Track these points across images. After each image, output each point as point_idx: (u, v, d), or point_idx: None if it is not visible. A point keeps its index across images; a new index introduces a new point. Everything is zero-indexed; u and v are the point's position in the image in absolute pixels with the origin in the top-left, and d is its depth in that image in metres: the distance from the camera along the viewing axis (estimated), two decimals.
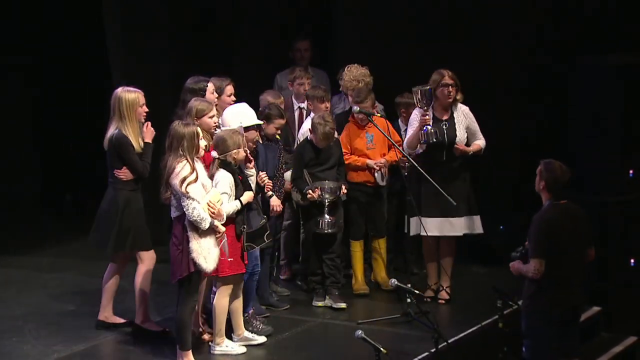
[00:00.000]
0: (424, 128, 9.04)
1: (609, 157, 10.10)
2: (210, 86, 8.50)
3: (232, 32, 11.65)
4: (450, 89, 9.16)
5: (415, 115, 9.21)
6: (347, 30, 11.38)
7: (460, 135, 9.22)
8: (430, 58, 10.76)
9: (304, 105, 9.86)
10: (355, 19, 11.35)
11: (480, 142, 9.29)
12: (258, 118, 8.49)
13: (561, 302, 7.48)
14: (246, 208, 8.05)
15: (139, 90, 8.33)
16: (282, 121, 8.85)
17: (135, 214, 8.36)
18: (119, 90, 8.29)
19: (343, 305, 9.23)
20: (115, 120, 8.26)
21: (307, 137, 9.21)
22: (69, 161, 12.74)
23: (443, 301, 9.34)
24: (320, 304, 9.25)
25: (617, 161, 10.11)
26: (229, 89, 8.73)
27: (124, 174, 8.30)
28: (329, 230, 9.10)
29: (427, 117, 9.04)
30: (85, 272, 10.32)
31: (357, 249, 9.56)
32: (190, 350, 7.80)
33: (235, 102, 8.67)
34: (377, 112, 9.56)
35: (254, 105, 9.15)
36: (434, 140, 9.04)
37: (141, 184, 8.42)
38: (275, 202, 8.75)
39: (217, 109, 8.40)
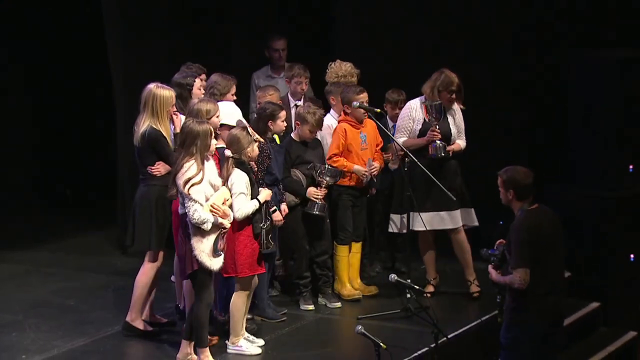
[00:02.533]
0: (433, 143, 9.07)
1: (608, 152, 10.11)
2: (198, 82, 8.48)
3: (232, 31, 11.65)
4: (455, 95, 9.17)
5: (408, 111, 9.24)
6: (346, 28, 11.39)
7: (454, 131, 9.26)
8: (430, 55, 10.79)
9: (300, 102, 9.85)
10: (354, 17, 11.35)
11: (460, 142, 9.31)
12: (260, 119, 8.54)
13: (547, 313, 7.28)
14: (264, 207, 8.04)
15: (172, 89, 8.23)
16: (285, 113, 8.76)
17: (167, 210, 8.22)
18: (153, 86, 8.13)
19: (338, 304, 9.18)
20: (146, 117, 8.11)
21: (290, 134, 9.09)
22: (69, 158, 12.74)
23: (477, 294, 9.32)
24: (310, 307, 9.10)
25: (617, 156, 10.13)
26: (234, 88, 8.74)
27: (157, 169, 8.18)
28: (318, 212, 8.93)
29: (437, 132, 9.06)
30: (85, 267, 10.36)
31: (344, 253, 9.31)
32: (208, 348, 7.75)
33: (235, 101, 8.70)
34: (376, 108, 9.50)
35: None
36: (443, 154, 9.07)
37: None
38: (277, 217, 8.48)
39: None
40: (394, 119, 9.75)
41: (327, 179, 8.91)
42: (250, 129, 8.10)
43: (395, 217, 9.43)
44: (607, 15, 10.49)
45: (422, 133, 9.20)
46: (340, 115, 9.31)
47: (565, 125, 10.45)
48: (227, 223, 7.63)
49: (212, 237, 7.57)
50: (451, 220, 9.24)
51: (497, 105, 10.69)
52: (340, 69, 9.55)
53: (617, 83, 10.11)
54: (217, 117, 8.07)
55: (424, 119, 9.18)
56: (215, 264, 7.59)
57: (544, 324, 7.26)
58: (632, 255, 10.09)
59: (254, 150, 7.99)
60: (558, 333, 7.41)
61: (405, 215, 9.25)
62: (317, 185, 8.94)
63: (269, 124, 8.56)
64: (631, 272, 10.10)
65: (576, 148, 10.31)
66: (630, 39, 10.33)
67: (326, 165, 8.95)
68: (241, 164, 7.91)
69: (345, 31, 11.43)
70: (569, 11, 10.57)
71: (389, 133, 9.35)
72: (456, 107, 9.33)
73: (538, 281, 7.18)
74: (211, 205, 7.54)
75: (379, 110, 9.28)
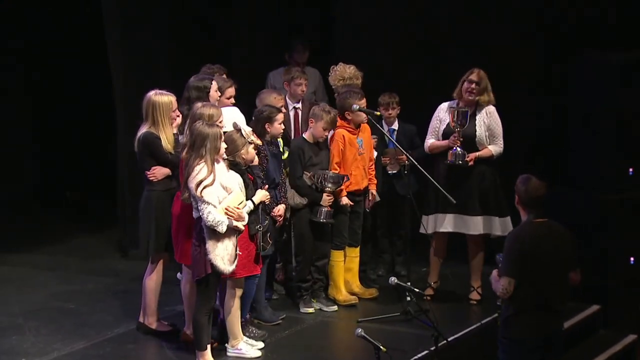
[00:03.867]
0: (454, 148, 9.05)
1: (608, 154, 10.10)
2: (214, 84, 8.48)
3: (232, 31, 11.65)
4: (474, 86, 9.11)
5: (436, 113, 9.25)
6: (346, 29, 11.38)
7: (480, 133, 9.15)
8: (430, 57, 10.79)
9: (299, 105, 9.83)
10: (355, 18, 11.34)
11: (492, 148, 9.17)
12: (258, 121, 8.51)
13: (539, 328, 7.09)
14: (260, 207, 8.04)
15: (172, 94, 8.23)
16: (282, 115, 8.71)
17: (168, 214, 8.21)
18: (152, 94, 8.15)
19: (335, 307, 9.18)
20: (147, 125, 8.14)
21: (302, 135, 9.09)
22: (69, 159, 12.74)
23: (475, 302, 9.34)
24: (310, 310, 9.09)
25: (617, 159, 10.12)
26: (230, 91, 8.67)
27: (154, 175, 8.21)
28: (325, 220, 8.99)
29: (458, 140, 9.02)
30: (85, 270, 10.35)
31: (339, 258, 9.28)
32: (208, 351, 7.75)
33: (235, 104, 8.68)
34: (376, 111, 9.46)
35: (254, 104, 9.18)
36: (460, 162, 9.03)
37: (175, 182, 8.23)
38: (281, 211, 8.61)
39: None
40: (388, 121, 9.74)
41: (330, 185, 8.92)
42: (248, 131, 8.08)
43: (423, 218, 9.37)
44: (607, 16, 10.48)
45: (445, 134, 9.19)
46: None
47: (565, 127, 10.44)
48: (241, 226, 7.63)
49: (226, 241, 7.56)
50: (473, 225, 9.20)
51: (497, 106, 10.66)
52: (345, 72, 9.53)
53: (617, 85, 10.09)
54: (220, 122, 8.04)
55: (449, 123, 9.17)
56: (229, 267, 7.59)
57: (533, 340, 7.09)
58: (632, 258, 10.09)
59: (248, 152, 7.98)
60: (555, 350, 7.21)
61: (429, 217, 9.26)
62: (320, 192, 8.95)
63: (266, 126, 8.55)
64: (631, 274, 10.09)
65: (576, 150, 10.30)
66: (630, 40, 10.31)
67: (327, 172, 8.94)
68: (235, 166, 7.91)
69: (345, 32, 11.42)
70: (569, 12, 10.55)
71: (388, 135, 9.33)
72: (491, 109, 9.22)
73: (526, 295, 7.03)
74: (226, 208, 7.54)
75: (378, 113, 9.29)
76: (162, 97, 8.15)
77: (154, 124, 8.13)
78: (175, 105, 8.21)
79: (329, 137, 9.17)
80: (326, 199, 8.97)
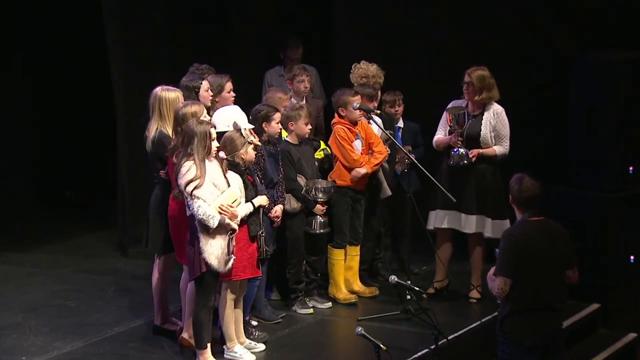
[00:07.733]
0: (454, 150, 9.05)
1: (608, 153, 10.11)
2: (205, 84, 8.47)
3: (231, 28, 11.65)
4: (465, 88, 9.11)
5: (444, 120, 9.25)
6: (347, 26, 11.38)
7: (485, 132, 9.13)
8: (430, 57, 10.79)
9: (303, 103, 9.84)
10: (355, 15, 11.35)
11: (497, 148, 9.15)
12: (255, 120, 8.49)
13: (536, 327, 7.06)
14: (261, 211, 8.03)
15: (178, 90, 8.25)
16: (279, 114, 8.73)
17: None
18: (158, 89, 8.17)
19: (329, 304, 9.18)
20: (155, 121, 8.14)
21: (285, 139, 9.02)
22: (69, 158, 12.74)
23: (475, 300, 9.33)
24: (309, 311, 9.06)
25: (617, 157, 10.13)
26: (229, 85, 8.71)
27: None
28: (321, 231, 9.01)
29: (460, 140, 9.03)
30: (85, 269, 10.34)
31: (340, 257, 9.26)
32: (208, 349, 7.74)
33: (234, 98, 8.69)
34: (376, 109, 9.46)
35: (253, 103, 9.18)
36: (465, 162, 9.03)
37: None
38: (278, 212, 8.61)
39: (217, 107, 8.41)
40: (394, 119, 9.74)
41: (321, 195, 8.93)
42: (249, 131, 8.06)
43: (430, 214, 9.38)
44: (607, 15, 10.49)
45: (449, 133, 9.20)
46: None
47: (565, 126, 10.44)
48: (234, 224, 7.61)
49: (220, 239, 7.55)
50: (468, 224, 9.20)
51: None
52: (369, 70, 9.52)
53: (617, 84, 10.10)
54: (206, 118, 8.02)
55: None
56: (223, 265, 7.57)
57: (530, 339, 7.07)
58: (632, 257, 10.09)
59: (247, 152, 7.95)
60: (555, 348, 7.19)
61: (430, 213, 9.29)
62: (313, 202, 8.96)
63: (264, 125, 8.54)
64: (631, 273, 10.10)
65: (576, 149, 10.30)
66: (630, 39, 10.32)
67: (317, 182, 8.94)
68: (235, 166, 7.89)
69: (345, 30, 11.42)
70: (570, 11, 10.56)
71: (388, 134, 9.33)
72: (499, 110, 9.19)
73: (522, 294, 7.01)
74: (219, 207, 7.53)
75: (379, 111, 9.29)
76: (169, 93, 8.16)
77: (161, 119, 8.12)
78: (182, 100, 8.19)
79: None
80: (319, 208, 8.98)
